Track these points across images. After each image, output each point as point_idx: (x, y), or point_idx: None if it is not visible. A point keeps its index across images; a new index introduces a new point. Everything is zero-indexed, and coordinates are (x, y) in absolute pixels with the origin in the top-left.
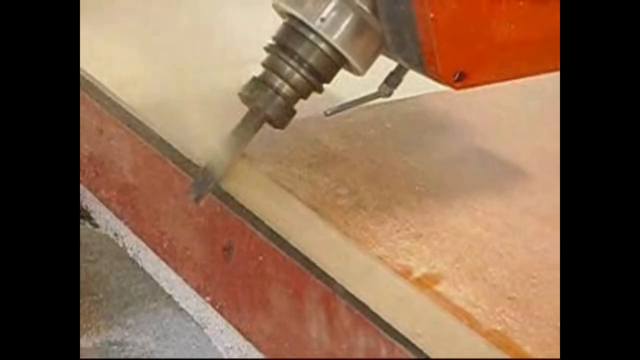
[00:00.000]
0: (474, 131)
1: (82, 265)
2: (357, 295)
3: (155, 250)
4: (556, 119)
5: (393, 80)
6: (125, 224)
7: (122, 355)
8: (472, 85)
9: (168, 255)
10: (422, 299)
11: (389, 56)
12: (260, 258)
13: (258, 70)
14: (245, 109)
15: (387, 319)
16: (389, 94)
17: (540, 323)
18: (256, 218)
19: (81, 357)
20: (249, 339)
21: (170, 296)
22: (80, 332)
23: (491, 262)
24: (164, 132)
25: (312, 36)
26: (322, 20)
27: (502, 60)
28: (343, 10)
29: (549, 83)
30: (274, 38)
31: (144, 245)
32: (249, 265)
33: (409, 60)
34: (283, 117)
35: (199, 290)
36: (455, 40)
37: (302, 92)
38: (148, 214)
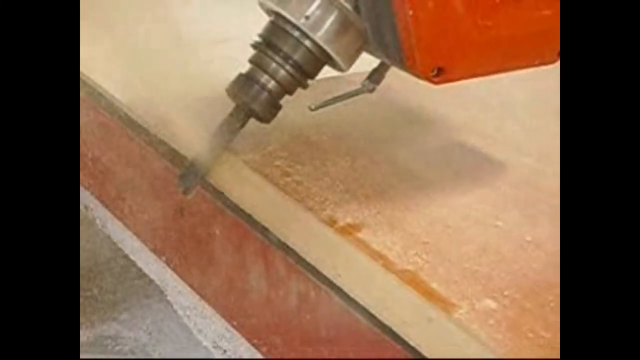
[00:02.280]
0: (452, 125)
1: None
2: (288, 243)
3: (119, 218)
4: (532, 109)
5: (376, 76)
6: (92, 194)
7: (116, 349)
8: (451, 80)
9: (129, 221)
10: (344, 244)
11: (372, 53)
12: (208, 216)
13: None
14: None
15: (313, 264)
16: (372, 90)
17: (449, 264)
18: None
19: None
20: (201, 295)
21: (162, 293)
22: None
23: (411, 214)
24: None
25: (297, 33)
26: (307, 18)
27: (479, 56)
28: (327, 9)
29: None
30: (260, 35)
31: (110, 215)
32: (198, 225)
33: (389, 56)
34: (269, 112)
35: (155, 251)
36: (433, 36)
37: (288, 88)
38: (113, 185)
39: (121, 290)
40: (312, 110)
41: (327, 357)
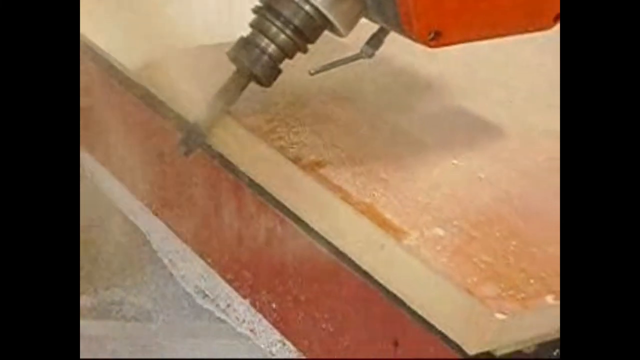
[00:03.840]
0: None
1: (82, 228)
2: (256, 180)
3: (107, 167)
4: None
5: (375, 41)
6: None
7: (120, 315)
8: (447, 44)
9: (115, 168)
10: (306, 179)
11: (370, 19)
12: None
13: None
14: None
15: (278, 198)
16: (371, 55)
17: (404, 198)
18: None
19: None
20: (181, 238)
21: (170, 260)
22: (80, 292)
23: (374, 155)
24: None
25: None
26: None
27: (475, 20)
28: None
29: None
30: (261, 0)
31: (99, 166)
32: (177, 168)
33: (387, 21)
34: (269, 75)
35: (135, 193)
36: (429, 1)
37: (288, 52)
38: (103, 138)
39: (125, 257)
40: (311, 74)
41: (292, 288)
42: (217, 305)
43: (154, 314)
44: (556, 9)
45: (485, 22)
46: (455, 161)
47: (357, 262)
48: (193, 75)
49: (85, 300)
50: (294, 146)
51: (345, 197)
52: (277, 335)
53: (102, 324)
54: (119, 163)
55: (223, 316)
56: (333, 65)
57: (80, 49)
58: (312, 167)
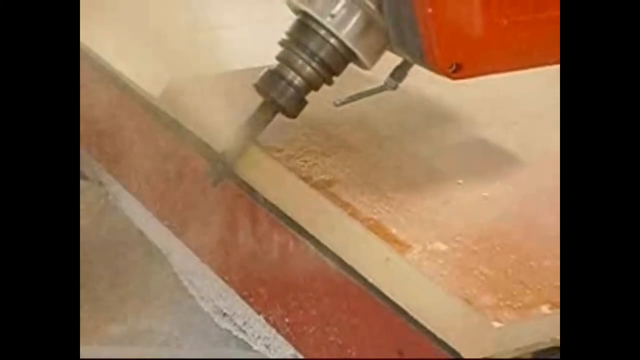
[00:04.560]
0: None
1: (112, 259)
2: (269, 199)
3: (128, 189)
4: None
5: (398, 74)
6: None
7: (148, 343)
8: (468, 76)
9: (136, 189)
10: (317, 197)
11: (394, 51)
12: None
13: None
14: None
15: (290, 215)
16: (395, 87)
17: (410, 215)
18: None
19: (110, 343)
20: (199, 257)
21: (190, 281)
22: (109, 320)
23: (383, 175)
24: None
25: (322, 32)
26: (332, 16)
27: (495, 53)
28: (352, 8)
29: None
30: (288, 33)
31: (120, 187)
32: (194, 190)
33: (410, 53)
34: (295, 107)
35: (157, 215)
36: (451, 34)
37: (313, 84)
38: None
39: (152, 286)
40: (337, 105)
41: (304, 302)
42: (235, 324)
43: (181, 340)
44: None
45: (505, 55)
46: (460, 181)
47: (364, 275)
48: (218, 101)
49: (114, 328)
50: (305, 165)
51: (354, 214)
52: (292, 350)
53: (132, 350)
54: (138, 182)
55: (241, 335)
56: (359, 96)
57: (104, 74)
58: (323, 186)
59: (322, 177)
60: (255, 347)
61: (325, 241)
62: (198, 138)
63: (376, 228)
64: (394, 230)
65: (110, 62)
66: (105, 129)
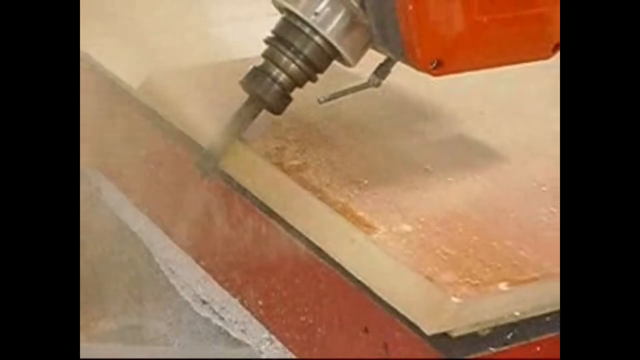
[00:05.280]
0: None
1: (104, 256)
2: (244, 185)
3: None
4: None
5: (382, 71)
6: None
7: (138, 339)
8: (449, 73)
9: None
10: (288, 182)
11: (377, 49)
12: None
13: None
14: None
15: (262, 199)
16: (378, 84)
17: (377, 197)
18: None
19: (99, 340)
20: (177, 243)
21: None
22: (99, 316)
23: (353, 162)
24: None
25: (307, 30)
26: (316, 14)
27: (475, 50)
28: (335, 6)
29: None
30: (273, 31)
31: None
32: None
33: (392, 50)
34: (280, 103)
35: (137, 204)
36: (432, 31)
37: (298, 81)
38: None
39: (142, 283)
40: (320, 102)
41: (276, 284)
42: (214, 312)
43: (170, 338)
44: (555, 39)
45: (485, 52)
46: (428, 167)
47: (332, 256)
48: (197, 93)
49: (104, 324)
50: (277, 152)
51: (323, 198)
52: (266, 334)
53: (122, 347)
54: (119, 173)
55: (220, 323)
56: (342, 93)
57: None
58: (294, 171)
59: (293, 162)
60: (233, 334)
61: (295, 224)
62: (177, 129)
63: (344, 211)
64: (361, 213)
65: (88, 53)
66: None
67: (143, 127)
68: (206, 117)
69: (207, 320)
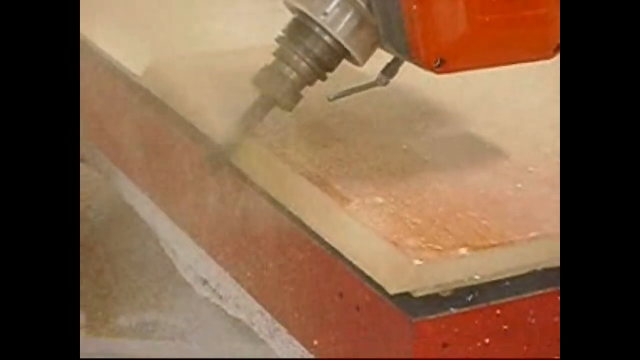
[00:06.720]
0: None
1: (124, 254)
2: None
3: (125, 172)
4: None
5: (390, 70)
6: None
7: (156, 335)
8: (452, 71)
9: (130, 170)
10: (271, 158)
11: (384, 48)
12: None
13: None
14: None
15: (247, 174)
16: (386, 83)
17: (355, 173)
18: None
19: (119, 335)
20: (180, 225)
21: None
22: (119, 313)
23: (334, 140)
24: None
25: (317, 29)
26: (326, 15)
27: (477, 50)
28: (345, 7)
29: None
30: (284, 31)
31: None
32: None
33: (398, 49)
34: (291, 101)
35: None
36: (435, 31)
37: (309, 79)
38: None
39: (162, 280)
40: (330, 100)
41: (262, 256)
42: (214, 291)
43: (187, 334)
44: (557, 40)
45: (488, 51)
46: (405, 146)
47: (309, 225)
48: (200, 80)
49: (123, 321)
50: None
51: (304, 173)
52: (257, 306)
53: (140, 343)
54: (125, 158)
55: (218, 301)
56: (351, 91)
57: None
58: (275, 146)
59: (278, 143)
60: (230, 312)
61: (278, 198)
62: (180, 116)
63: (322, 185)
64: (337, 187)
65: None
66: (92, 107)
67: (147, 114)
68: (210, 105)
69: (221, 314)
